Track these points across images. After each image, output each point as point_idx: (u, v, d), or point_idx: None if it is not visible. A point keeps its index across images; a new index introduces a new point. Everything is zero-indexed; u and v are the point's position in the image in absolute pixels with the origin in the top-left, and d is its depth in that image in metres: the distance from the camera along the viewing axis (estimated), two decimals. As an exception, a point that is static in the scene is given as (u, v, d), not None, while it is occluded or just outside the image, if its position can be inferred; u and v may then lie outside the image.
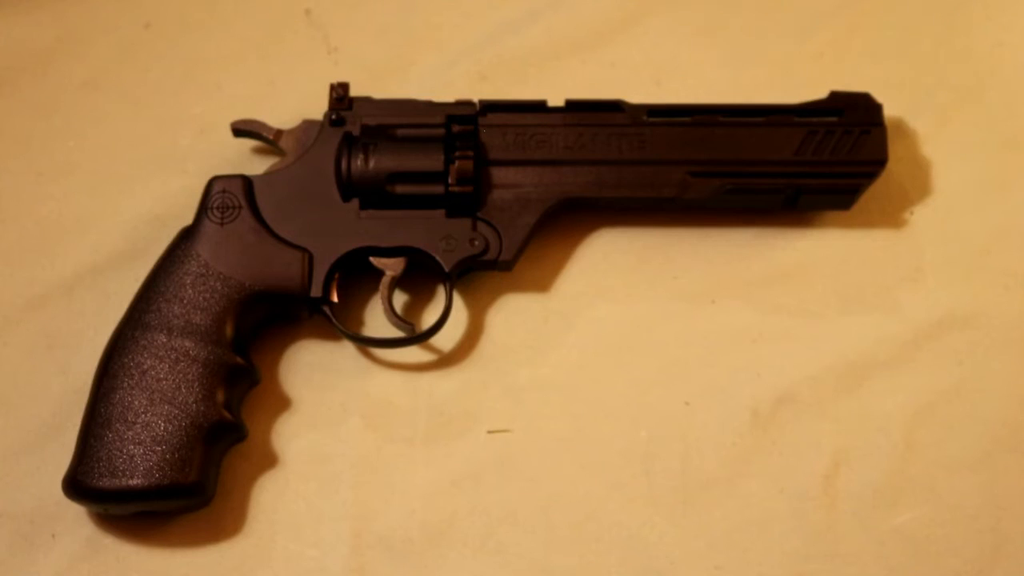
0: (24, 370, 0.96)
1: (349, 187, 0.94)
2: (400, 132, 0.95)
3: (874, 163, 0.95)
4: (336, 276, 0.94)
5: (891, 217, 1.00)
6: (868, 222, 1.00)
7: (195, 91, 0.99)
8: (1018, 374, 0.95)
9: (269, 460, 0.93)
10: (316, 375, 0.96)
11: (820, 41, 1.03)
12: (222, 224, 0.93)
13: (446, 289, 0.95)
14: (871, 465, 0.94)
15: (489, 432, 0.95)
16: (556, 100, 0.97)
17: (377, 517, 0.92)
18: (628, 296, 0.98)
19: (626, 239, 1.00)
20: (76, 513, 0.91)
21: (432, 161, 0.94)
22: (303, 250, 0.93)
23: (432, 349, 0.97)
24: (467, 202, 0.94)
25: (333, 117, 0.96)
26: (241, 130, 0.97)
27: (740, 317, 0.97)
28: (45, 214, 0.99)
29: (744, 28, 1.05)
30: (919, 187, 1.01)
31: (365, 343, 0.96)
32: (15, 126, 1.02)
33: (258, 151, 1.01)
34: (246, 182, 0.94)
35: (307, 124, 0.96)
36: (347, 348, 0.96)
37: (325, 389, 0.95)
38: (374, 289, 0.95)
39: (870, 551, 0.92)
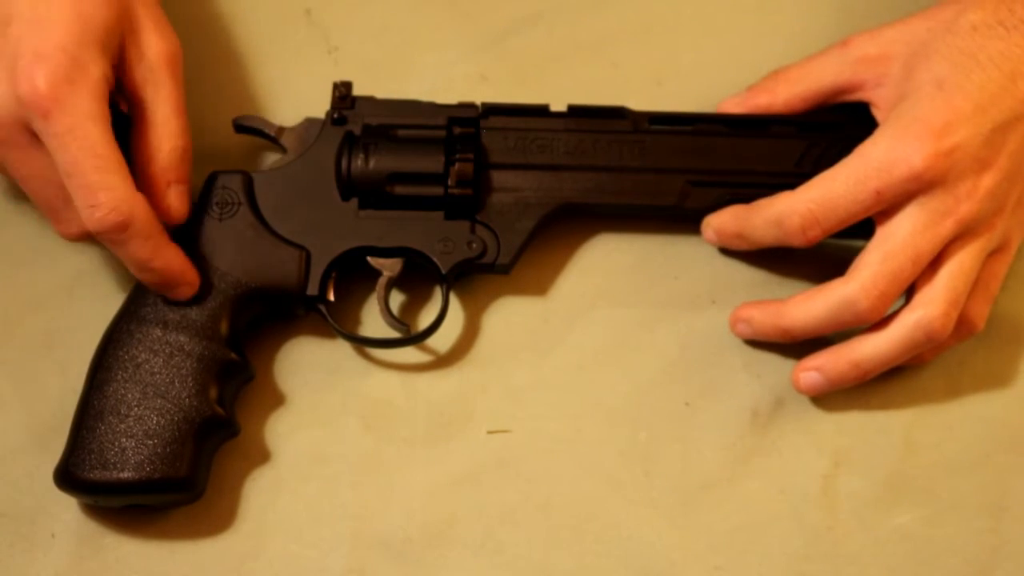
0: (24, 370, 0.95)
1: (349, 186, 0.94)
2: (401, 133, 0.95)
3: None
4: (333, 275, 0.94)
5: (891, 217, 1.00)
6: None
7: (195, 91, 0.99)
8: (1019, 374, 0.95)
9: (269, 461, 0.93)
10: (314, 374, 0.96)
11: (820, 41, 1.03)
12: (220, 219, 0.93)
13: (443, 291, 0.95)
14: (871, 465, 0.93)
15: (489, 432, 0.95)
16: (557, 101, 0.97)
17: (376, 517, 0.92)
18: (628, 296, 0.98)
19: (626, 241, 1.00)
20: (77, 513, 0.91)
21: (432, 162, 0.93)
22: (301, 248, 0.93)
23: (431, 350, 0.97)
24: (466, 205, 0.94)
25: (335, 116, 0.95)
26: (243, 126, 0.97)
27: (740, 317, 0.97)
28: (46, 214, 1.00)
29: (744, 28, 1.05)
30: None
31: (360, 343, 0.96)
32: (15, 126, 1.02)
33: (259, 149, 1.01)
34: (246, 178, 0.94)
35: (309, 122, 0.96)
36: (345, 347, 0.96)
37: (323, 388, 0.95)
38: (372, 289, 0.95)
39: (870, 551, 0.91)
